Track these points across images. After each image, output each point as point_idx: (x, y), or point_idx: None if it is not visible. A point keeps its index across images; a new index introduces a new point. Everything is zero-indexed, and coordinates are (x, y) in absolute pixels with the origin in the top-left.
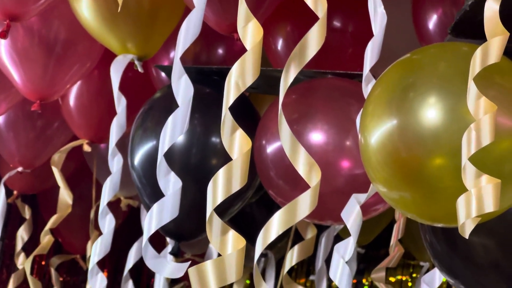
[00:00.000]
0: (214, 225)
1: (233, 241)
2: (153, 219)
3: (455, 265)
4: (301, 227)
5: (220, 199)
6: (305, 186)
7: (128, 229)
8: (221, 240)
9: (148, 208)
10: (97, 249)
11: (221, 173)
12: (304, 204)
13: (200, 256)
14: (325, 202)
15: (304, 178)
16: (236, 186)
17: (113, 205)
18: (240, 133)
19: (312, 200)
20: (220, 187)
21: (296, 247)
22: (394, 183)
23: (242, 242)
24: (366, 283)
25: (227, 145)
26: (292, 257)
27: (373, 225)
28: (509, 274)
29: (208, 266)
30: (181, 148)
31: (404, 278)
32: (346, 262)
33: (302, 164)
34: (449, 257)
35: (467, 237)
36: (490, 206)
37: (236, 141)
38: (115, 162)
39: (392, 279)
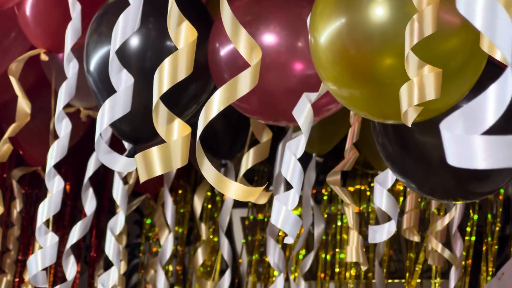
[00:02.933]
0: (160, 113)
1: (179, 128)
2: (105, 115)
3: (406, 165)
4: (256, 131)
5: (165, 87)
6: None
7: (90, 142)
8: (167, 128)
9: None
10: (53, 153)
11: (167, 62)
12: (244, 82)
13: None
14: (279, 103)
15: (245, 58)
16: (182, 75)
17: (74, 116)
18: (186, 24)
19: (253, 78)
20: (166, 75)
21: (251, 150)
22: (344, 81)
23: (187, 129)
24: (326, 193)
25: (173, 36)
26: (247, 160)
27: (331, 135)
28: (458, 171)
29: (154, 152)
30: (136, 52)
31: (362, 188)
32: (303, 165)
33: (243, 45)
34: (401, 158)
35: (409, 124)
36: (431, 94)
37: (182, 32)
38: (71, 67)
39: (351, 188)
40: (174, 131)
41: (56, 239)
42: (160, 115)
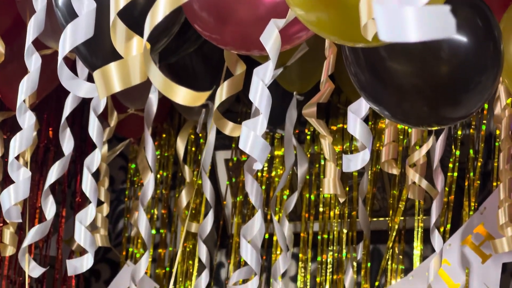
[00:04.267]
0: (118, 30)
1: (137, 45)
2: (67, 39)
3: (378, 92)
4: (230, 64)
5: (122, 2)
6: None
7: None
8: (126, 45)
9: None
10: (23, 87)
11: None
12: None
13: (142, 110)
14: (249, 32)
15: None
16: None
17: (49, 58)
18: None
19: None
20: None
21: (225, 83)
22: (311, 5)
23: (146, 45)
24: (309, 133)
25: None
26: (221, 93)
27: (311, 72)
28: (430, 97)
29: (112, 68)
30: None
31: (345, 126)
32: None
33: None
34: (373, 85)
35: (370, 39)
36: None
37: None
38: (39, 1)
39: (333, 127)
40: (133, 47)
41: (28, 174)
42: (118, 31)
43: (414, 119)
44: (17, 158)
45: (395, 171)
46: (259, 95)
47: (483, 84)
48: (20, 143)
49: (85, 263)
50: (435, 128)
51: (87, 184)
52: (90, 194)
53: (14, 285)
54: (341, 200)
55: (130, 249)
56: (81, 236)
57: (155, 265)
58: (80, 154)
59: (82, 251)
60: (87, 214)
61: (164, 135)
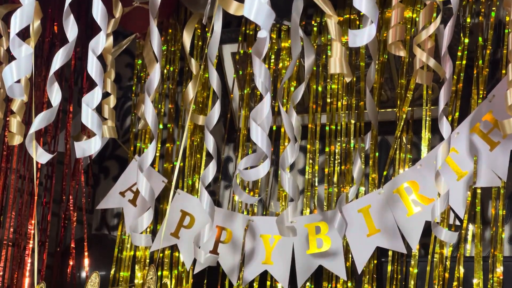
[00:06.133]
0: None
1: None
2: None
3: None
4: None
5: None
6: None
7: None
8: None
9: None
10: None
11: None
12: None
13: (147, 3)
14: None
15: None
16: None
17: None
18: None
19: None
20: None
21: None
22: None
23: None
24: (315, 24)
25: None
26: None
27: None
28: None
29: None
30: None
31: (352, 17)
32: None
33: None
34: None
35: None
36: None
37: None
38: None
39: (340, 18)
40: None
41: (30, 51)
42: None
43: None
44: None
45: (402, 53)
46: None
47: None
48: (21, 20)
49: (93, 145)
50: None
51: (93, 67)
52: (96, 77)
53: (24, 180)
54: (348, 79)
55: (138, 145)
56: (88, 118)
57: (163, 160)
58: (86, 51)
59: None
60: (94, 96)
61: (170, 30)
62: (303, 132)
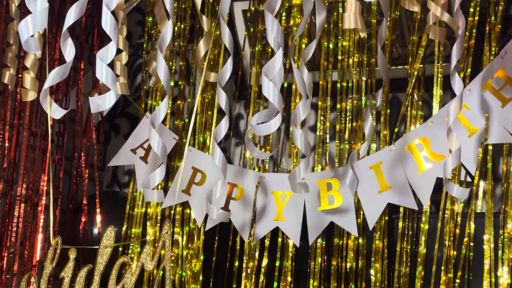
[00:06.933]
0: None
1: None
2: None
3: None
4: None
5: None
6: None
7: None
8: None
9: None
10: None
11: None
12: None
13: None
14: None
15: None
16: None
17: None
18: None
19: None
20: None
21: None
22: None
23: None
24: None
25: None
26: None
27: None
28: None
29: None
30: None
31: None
32: None
33: None
34: None
35: None
36: None
37: None
38: None
39: None
40: None
41: (45, 5)
42: None
43: None
44: None
45: (416, 8)
46: None
47: None
48: None
49: (107, 100)
50: None
51: (107, 22)
52: (110, 31)
53: (36, 137)
54: (362, 34)
55: (149, 102)
56: (102, 73)
57: (173, 118)
58: (97, 8)
59: None
60: (108, 51)
61: None
62: (314, 89)
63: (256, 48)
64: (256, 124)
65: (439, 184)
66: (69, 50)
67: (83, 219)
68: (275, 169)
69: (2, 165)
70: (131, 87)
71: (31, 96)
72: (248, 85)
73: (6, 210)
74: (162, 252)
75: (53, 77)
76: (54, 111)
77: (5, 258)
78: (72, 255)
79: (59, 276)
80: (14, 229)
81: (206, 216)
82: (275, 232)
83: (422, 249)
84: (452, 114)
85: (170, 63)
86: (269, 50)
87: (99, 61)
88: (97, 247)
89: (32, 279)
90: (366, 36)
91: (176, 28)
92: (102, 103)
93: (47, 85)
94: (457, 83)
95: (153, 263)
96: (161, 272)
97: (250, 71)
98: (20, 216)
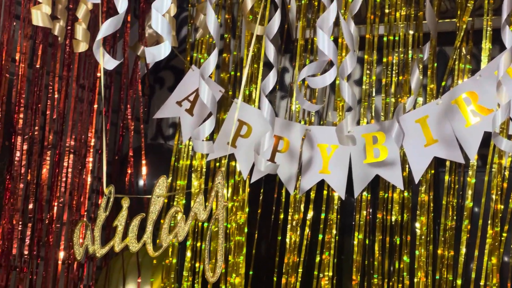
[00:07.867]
0: None
1: None
2: None
3: None
4: None
5: None
6: None
7: None
8: None
9: None
10: None
11: None
12: None
13: None
14: None
15: None
16: None
17: None
18: None
19: None
20: None
21: None
22: None
23: None
24: None
25: None
26: None
27: None
28: None
29: None
30: None
31: None
32: None
33: None
34: None
35: None
36: None
37: None
38: None
39: None
40: None
41: None
42: None
43: None
44: None
45: None
46: None
47: None
48: None
49: (162, 50)
50: None
51: None
52: None
53: (83, 89)
54: None
55: (195, 55)
56: (158, 23)
57: (219, 71)
58: None
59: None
60: (163, 2)
61: None
62: (361, 43)
63: (302, 2)
64: (309, 77)
65: (485, 138)
66: (121, 1)
67: (129, 171)
68: (321, 122)
69: (52, 117)
70: (177, 35)
71: (82, 47)
72: (293, 38)
73: (56, 161)
74: (213, 203)
75: (106, 28)
76: (107, 62)
77: (55, 208)
78: (125, 204)
79: (113, 224)
80: (64, 179)
81: (251, 169)
82: (321, 184)
83: (469, 203)
84: (503, 68)
85: (216, 15)
86: (315, 3)
87: (155, 12)
88: (150, 196)
89: (84, 228)
90: None
91: None
92: (157, 53)
93: (100, 36)
94: (507, 36)
95: (206, 213)
96: (213, 226)
97: (296, 24)
98: (69, 166)
